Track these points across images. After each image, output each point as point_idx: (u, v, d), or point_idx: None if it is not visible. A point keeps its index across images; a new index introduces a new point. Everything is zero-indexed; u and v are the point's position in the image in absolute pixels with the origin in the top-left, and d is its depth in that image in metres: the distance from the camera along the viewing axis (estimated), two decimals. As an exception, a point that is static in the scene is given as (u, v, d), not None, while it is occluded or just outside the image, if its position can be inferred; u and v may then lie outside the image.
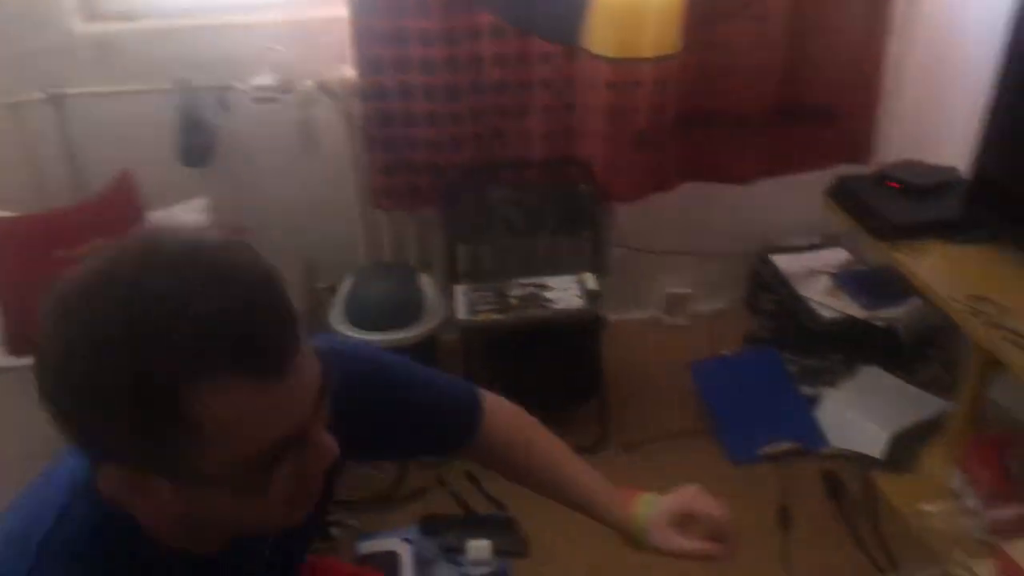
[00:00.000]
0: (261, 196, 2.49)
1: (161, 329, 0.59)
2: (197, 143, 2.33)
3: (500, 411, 1.14)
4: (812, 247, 2.81)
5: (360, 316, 2.32)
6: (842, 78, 2.50)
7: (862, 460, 2.26)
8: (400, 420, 1.00)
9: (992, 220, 2.01)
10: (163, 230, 0.74)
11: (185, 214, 2.29)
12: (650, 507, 1.10)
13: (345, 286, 2.41)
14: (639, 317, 2.90)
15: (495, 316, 2.29)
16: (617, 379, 2.54)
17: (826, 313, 2.52)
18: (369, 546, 2.04)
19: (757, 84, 2.44)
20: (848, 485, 2.22)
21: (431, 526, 2.12)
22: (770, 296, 2.76)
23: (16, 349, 2.14)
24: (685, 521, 1.08)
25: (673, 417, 2.50)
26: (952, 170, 2.23)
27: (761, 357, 2.64)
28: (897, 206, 2.14)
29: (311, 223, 2.55)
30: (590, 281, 2.39)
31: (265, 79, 2.27)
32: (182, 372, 0.60)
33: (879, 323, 2.48)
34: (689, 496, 1.10)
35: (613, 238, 2.59)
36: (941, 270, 1.94)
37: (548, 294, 2.36)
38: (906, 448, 2.24)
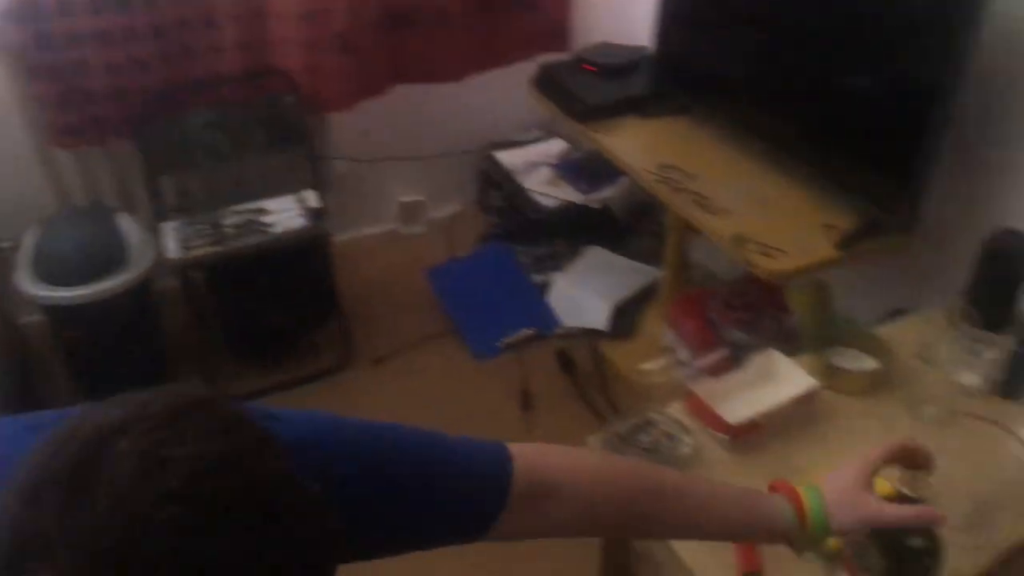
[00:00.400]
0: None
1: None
2: None
3: (555, 454, 0.81)
4: (533, 141, 2.88)
5: (52, 271, 2.05)
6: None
7: (590, 334, 2.41)
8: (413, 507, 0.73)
9: (678, 93, 2.15)
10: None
11: None
12: (815, 494, 0.85)
13: (28, 240, 2.13)
14: (375, 231, 2.85)
15: (211, 249, 2.13)
16: (358, 297, 2.51)
17: (547, 202, 2.62)
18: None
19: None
20: (579, 359, 2.36)
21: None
22: (498, 193, 2.81)
23: None
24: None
25: (416, 325, 2.51)
26: (642, 49, 2.33)
27: (493, 253, 2.71)
28: (592, 88, 2.21)
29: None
30: (311, 198, 2.29)
31: None
32: None
33: (596, 205, 2.62)
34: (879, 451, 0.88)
35: (331, 151, 2.49)
36: (635, 145, 2.05)
37: (267, 219, 2.23)
38: (627, 316, 2.42)
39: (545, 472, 0.77)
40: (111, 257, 2.10)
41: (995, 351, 1.31)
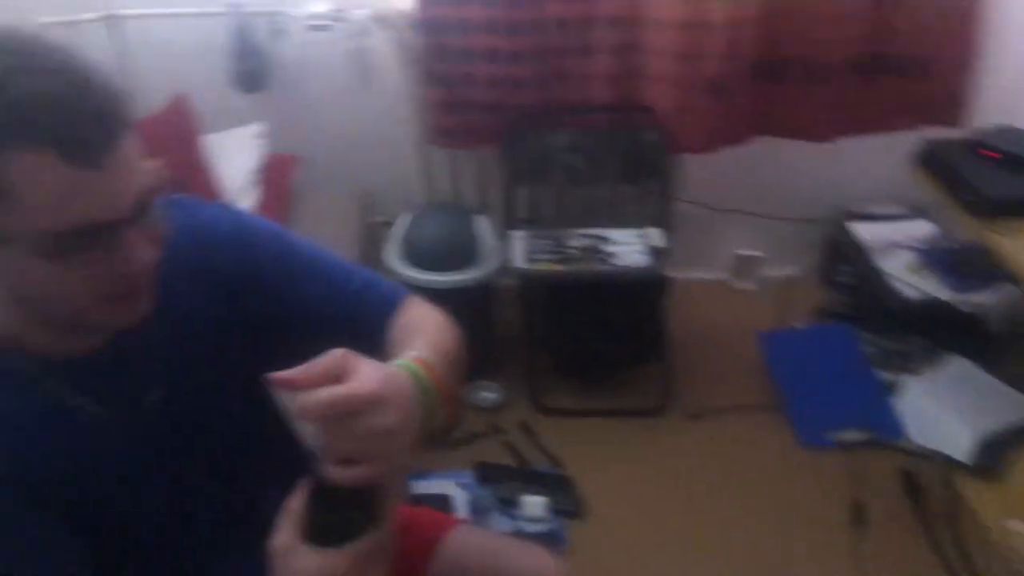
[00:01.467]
0: (316, 125, 2.41)
1: None
2: (250, 68, 2.24)
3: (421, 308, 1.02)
4: (895, 217, 2.58)
5: (415, 255, 2.23)
6: (935, 27, 2.27)
7: (944, 461, 2.04)
8: (309, 287, 0.95)
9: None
10: (13, 27, 0.72)
11: (240, 138, 2.21)
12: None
13: (401, 223, 2.33)
14: (704, 278, 2.74)
15: (555, 266, 2.15)
16: (681, 342, 2.39)
17: (908, 292, 2.29)
18: (423, 486, 1.95)
19: (842, 31, 2.24)
20: (928, 486, 2.02)
21: (486, 475, 2.03)
22: (847, 268, 2.56)
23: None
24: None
25: (739, 388, 2.35)
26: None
27: (835, 333, 2.45)
28: (994, 178, 1.94)
29: (367, 156, 2.45)
30: (656, 237, 2.23)
31: (319, 6, 2.18)
32: None
33: (966, 308, 2.25)
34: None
35: (680, 192, 2.43)
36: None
37: (609, 247, 2.21)
38: (994, 453, 2.01)
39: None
40: (465, 253, 2.23)
41: None
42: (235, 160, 2.15)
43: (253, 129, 2.23)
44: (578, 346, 2.30)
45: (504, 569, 1.15)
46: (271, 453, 0.88)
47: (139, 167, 0.73)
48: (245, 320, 0.91)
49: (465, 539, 1.17)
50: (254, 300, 0.91)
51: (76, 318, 0.77)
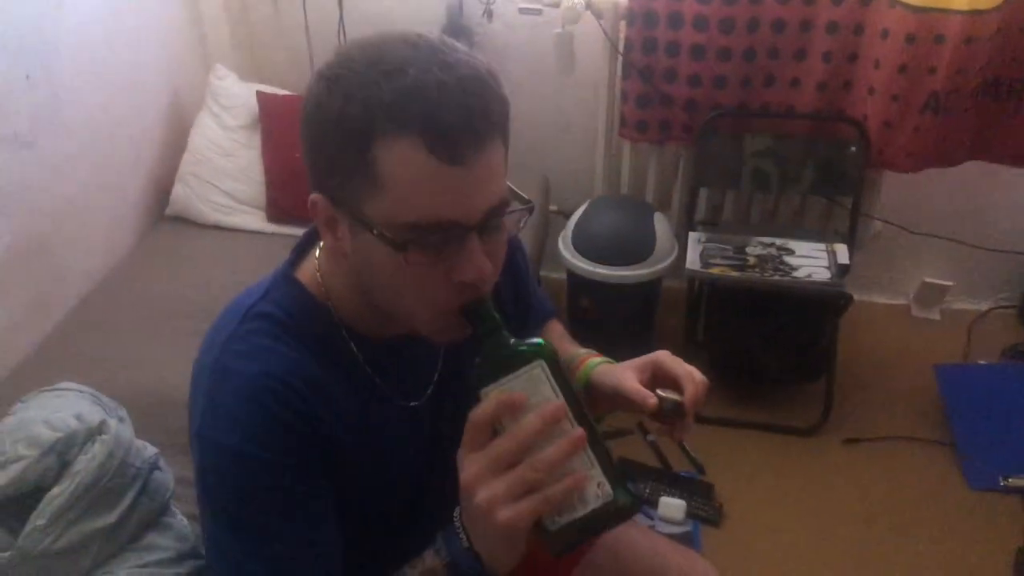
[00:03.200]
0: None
1: (372, 83, 0.70)
2: (456, 48, 2.33)
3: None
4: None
5: (588, 246, 2.25)
6: None
7: None
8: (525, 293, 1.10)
9: None
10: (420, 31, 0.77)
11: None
12: (593, 366, 1.03)
13: (578, 212, 2.35)
14: (886, 302, 2.64)
15: (730, 272, 2.13)
16: (849, 364, 2.33)
17: None
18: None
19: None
20: None
21: (626, 471, 2.07)
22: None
23: (276, 217, 2.28)
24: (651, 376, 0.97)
25: (906, 419, 2.26)
26: None
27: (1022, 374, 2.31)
28: None
29: (554, 143, 2.50)
30: (842, 253, 2.16)
31: (534, -10, 2.21)
32: (376, 122, 0.70)
33: None
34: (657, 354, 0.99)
35: (873, 209, 2.34)
36: None
37: (790, 259, 2.17)
38: None
39: None
40: (638, 249, 2.24)
41: None
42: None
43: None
44: (739, 355, 2.29)
45: (661, 568, 1.18)
46: None
47: (499, 175, 0.75)
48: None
49: (621, 532, 1.19)
50: (516, 307, 1.05)
51: (407, 321, 0.81)
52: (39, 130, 1.84)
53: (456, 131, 0.70)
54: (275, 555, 0.79)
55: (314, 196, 0.78)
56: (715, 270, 2.14)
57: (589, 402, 1.01)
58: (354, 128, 0.71)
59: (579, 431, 0.72)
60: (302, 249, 0.90)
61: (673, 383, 0.95)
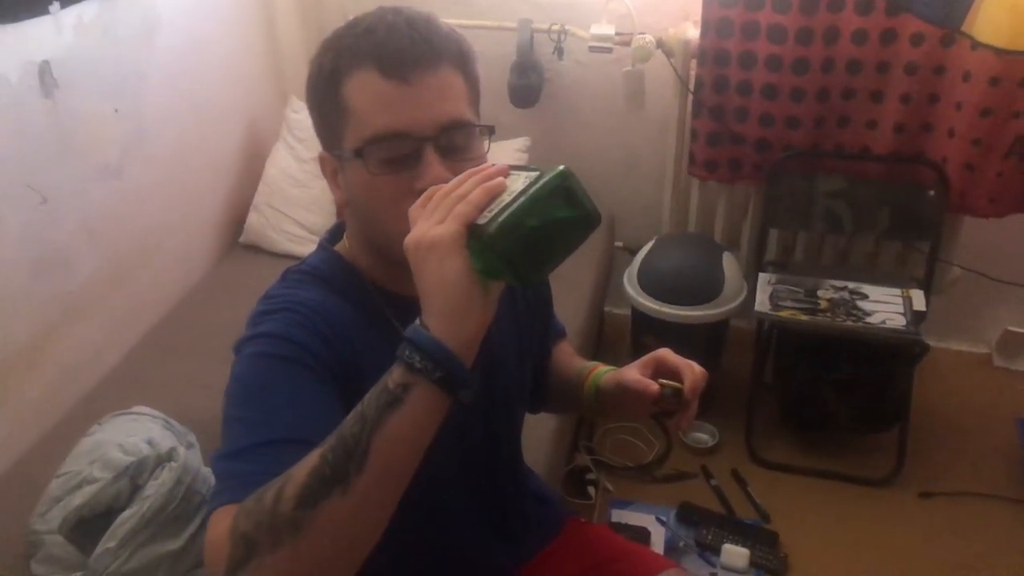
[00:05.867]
0: (578, 144, 2.49)
1: (342, 36, 0.88)
2: (529, 83, 2.35)
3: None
4: None
5: (654, 284, 2.23)
6: None
7: None
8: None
9: None
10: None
11: (506, 151, 2.33)
12: (602, 374, 1.14)
13: (644, 249, 2.33)
14: (966, 350, 2.54)
15: (800, 316, 2.08)
16: (923, 414, 2.24)
17: None
18: (623, 515, 1.99)
19: None
20: None
21: (689, 515, 2.03)
22: None
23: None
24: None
25: (986, 474, 2.16)
26: None
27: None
28: None
29: (622, 179, 2.50)
30: (918, 300, 2.09)
31: (605, 28, 2.22)
32: (342, 63, 0.86)
33: None
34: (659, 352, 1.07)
35: (951, 254, 2.26)
36: None
37: (863, 304, 2.11)
38: None
39: None
40: (705, 289, 2.20)
41: None
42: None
43: (520, 142, 2.34)
44: (809, 401, 2.22)
45: None
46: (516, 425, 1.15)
47: (453, 98, 0.86)
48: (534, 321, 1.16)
49: None
50: (540, 316, 1.18)
51: (389, 247, 0.85)
52: (126, 161, 1.91)
53: (402, 54, 0.83)
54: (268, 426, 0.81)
55: (320, 153, 0.93)
56: (785, 313, 2.09)
57: (600, 409, 1.13)
58: (328, 75, 0.87)
59: (504, 165, 0.76)
60: (337, 228, 1.02)
61: (674, 376, 1.01)
